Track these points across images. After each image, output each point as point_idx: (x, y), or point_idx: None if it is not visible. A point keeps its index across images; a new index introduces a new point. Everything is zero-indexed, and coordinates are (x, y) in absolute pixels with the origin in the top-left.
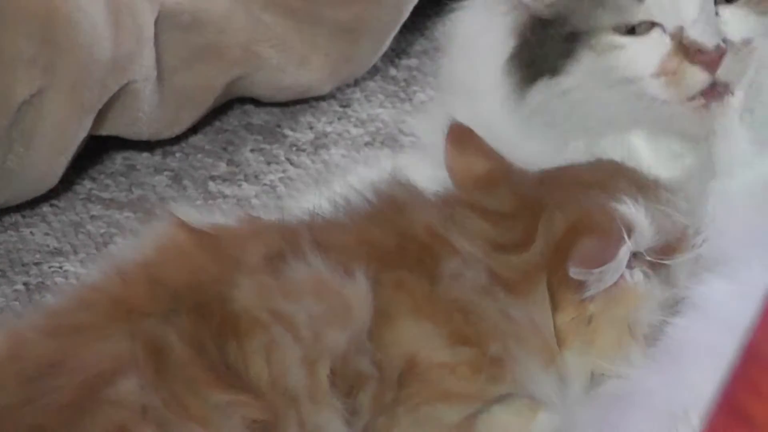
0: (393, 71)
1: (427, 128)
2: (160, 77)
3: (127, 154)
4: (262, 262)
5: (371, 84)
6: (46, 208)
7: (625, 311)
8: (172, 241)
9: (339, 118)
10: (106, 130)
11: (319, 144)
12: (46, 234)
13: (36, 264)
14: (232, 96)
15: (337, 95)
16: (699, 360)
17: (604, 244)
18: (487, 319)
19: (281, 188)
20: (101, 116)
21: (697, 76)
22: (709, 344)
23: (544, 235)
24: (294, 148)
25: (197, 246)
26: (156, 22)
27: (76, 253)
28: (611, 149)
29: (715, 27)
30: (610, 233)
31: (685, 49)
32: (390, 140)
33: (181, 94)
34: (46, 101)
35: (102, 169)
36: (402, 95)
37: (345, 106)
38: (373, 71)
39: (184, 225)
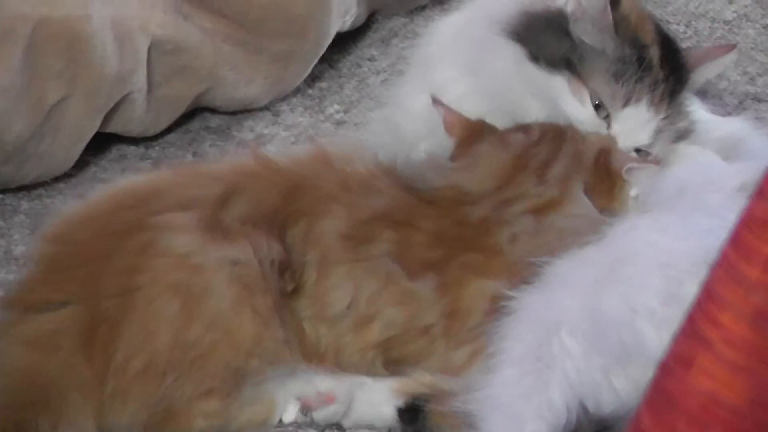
0: (310, 91)
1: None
2: (149, 89)
3: (120, 146)
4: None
5: (294, 99)
6: (62, 185)
7: (626, 191)
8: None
9: (272, 124)
10: (108, 129)
11: (258, 142)
12: (62, 203)
13: None
14: (196, 105)
15: (270, 107)
16: (568, 289)
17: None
18: (541, 248)
19: None
20: (106, 118)
21: None
22: (575, 278)
23: (569, 152)
24: (240, 145)
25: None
26: (149, 49)
27: None
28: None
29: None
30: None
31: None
32: (308, 140)
33: (163, 103)
34: (69, 105)
35: (102, 157)
36: (316, 108)
37: (276, 115)
38: (296, 90)
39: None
